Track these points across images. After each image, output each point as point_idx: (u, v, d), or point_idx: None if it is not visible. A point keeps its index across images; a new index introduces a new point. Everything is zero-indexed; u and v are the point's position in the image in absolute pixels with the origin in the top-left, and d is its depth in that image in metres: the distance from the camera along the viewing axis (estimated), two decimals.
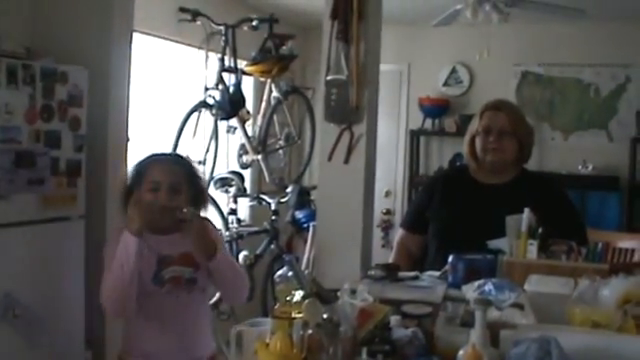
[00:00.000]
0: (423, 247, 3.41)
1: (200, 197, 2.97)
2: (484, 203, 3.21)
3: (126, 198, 2.85)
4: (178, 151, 4.42)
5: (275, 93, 5.40)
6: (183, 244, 2.86)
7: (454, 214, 3.25)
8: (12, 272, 3.26)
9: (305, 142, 6.23)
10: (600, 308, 2.12)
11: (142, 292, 2.79)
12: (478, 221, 3.12)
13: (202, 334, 2.97)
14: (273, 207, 5.51)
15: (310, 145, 5.94)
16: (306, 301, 2.02)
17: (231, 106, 4.83)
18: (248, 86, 6.00)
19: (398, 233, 3.61)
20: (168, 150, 4.33)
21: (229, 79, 4.90)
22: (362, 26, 3.25)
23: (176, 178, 2.85)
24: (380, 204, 7.15)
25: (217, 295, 4.85)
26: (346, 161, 3.32)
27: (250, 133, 5.26)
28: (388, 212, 7.62)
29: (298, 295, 2.15)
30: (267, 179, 5.51)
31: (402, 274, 2.89)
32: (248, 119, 5.22)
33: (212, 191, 5.00)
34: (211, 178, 4.91)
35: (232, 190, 5.24)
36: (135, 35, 3.99)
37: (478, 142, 3.28)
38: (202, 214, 2.94)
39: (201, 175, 3.06)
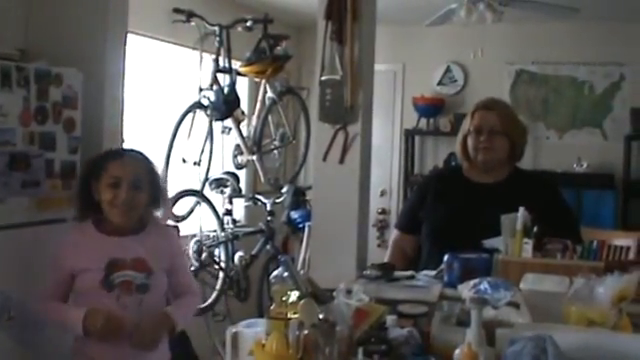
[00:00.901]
0: (418, 247, 3.42)
1: (159, 196, 2.93)
2: (477, 202, 3.22)
3: (82, 190, 2.83)
4: (173, 152, 4.42)
5: (270, 93, 5.40)
6: (136, 248, 2.80)
7: (447, 213, 3.26)
8: (7, 274, 3.25)
9: (300, 142, 6.23)
10: (595, 306, 2.12)
11: (86, 294, 2.75)
12: (471, 220, 3.12)
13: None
14: (268, 207, 5.51)
15: (305, 145, 5.94)
16: (302, 301, 2.02)
17: (226, 107, 4.83)
18: (243, 87, 6.00)
19: (393, 233, 3.62)
20: (163, 150, 4.34)
21: (224, 80, 4.89)
22: (356, 26, 3.25)
23: (137, 174, 2.80)
24: (375, 204, 7.15)
25: (213, 296, 4.89)
26: (341, 161, 3.32)
27: (245, 134, 5.25)
28: (383, 211, 7.62)
29: (294, 295, 2.14)
30: (262, 179, 5.51)
31: (398, 274, 2.90)
32: (243, 120, 5.21)
33: (207, 192, 5.00)
34: (206, 179, 4.91)
35: (227, 191, 5.24)
36: (129, 36, 3.98)
37: (470, 141, 3.29)
38: (161, 212, 2.95)
39: (160, 173, 3.02)
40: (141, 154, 2.95)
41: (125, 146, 3.86)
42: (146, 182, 2.83)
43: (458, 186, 3.35)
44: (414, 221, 3.41)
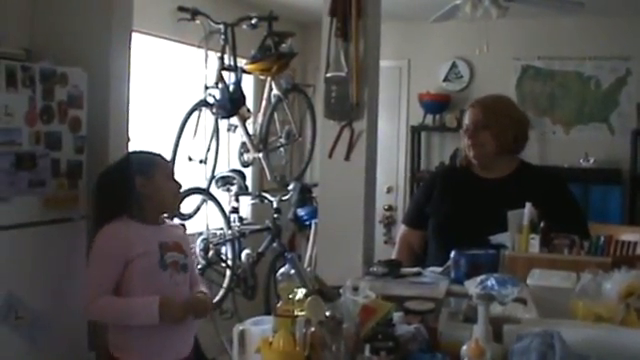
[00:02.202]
0: (425, 243, 3.42)
1: None
2: (483, 197, 3.21)
3: (127, 185, 3.03)
4: (179, 150, 4.43)
5: (275, 91, 5.39)
6: (172, 233, 3.15)
7: (453, 208, 3.26)
8: (14, 274, 3.26)
9: (306, 139, 6.23)
10: (603, 301, 2.11)
11: (146, 276, 2.97)
12: (477, 215, 3.12)
13: (191, 329, 3.18)
14: (275, 205, 5.51)
15: (311, 142, 5.93)
16: (309, 299, 2.02)
17: (231, 104, 4.83)
18: (248, 84, 6.00)
19: (400, 229, 3.62)
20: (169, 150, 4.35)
21: (229, 77, 4.89)
22: (361, 23, 3.25)
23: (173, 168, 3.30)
24: (382, 200, 7.14)
25: (220, 294, 4.89)
26: (347, 158, 3.32)
27: (251, 131, 5.25)
28: (390, 208, 7.61)
29: (300, 293, 2.14)
30: (268, 177, 5.50)
31: (404, 270, 2.89)
32: (249, 117, 5.21)
33: (214, 190, 5.01)
34: (212, 177, 4.92)
35: (234, 189, 5.25)
36: (134, 35, 3.99)
37: (464, 143, 3.33)
38: None
39: None
40: None
41: (131, 145, 3.90)
42: None
43: (465, 181, 3.35)
44: (420, 217, 3.41)
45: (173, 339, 3.03)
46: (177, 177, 3.21)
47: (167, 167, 3.19)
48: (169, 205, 3.20)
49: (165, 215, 3.22)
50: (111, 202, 3.08)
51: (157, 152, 3.26)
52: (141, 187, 3.04)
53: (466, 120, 3.35)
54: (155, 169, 3.09)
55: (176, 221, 3.71)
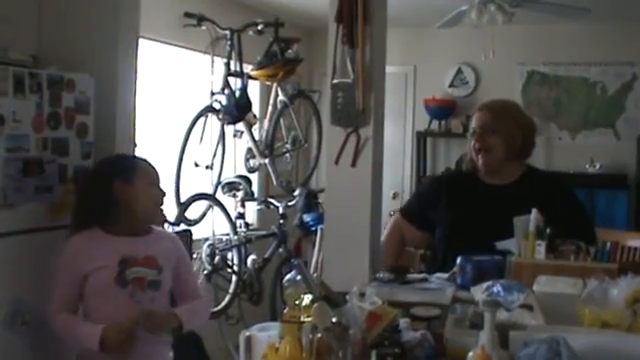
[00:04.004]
0: (414, 240, 3.46)
1: None
2: (490, 203, 3.21)
3: (103, 190, 2.94)
4: (185, 156, 4.44)
5: (281, 97, 5.40)
6: (146, 247, 2.95)
7: (460, 215, 3.25)
8: (21, 279, 3.26)
9: (312, 145, 6.22)
10: (609, 308, 2.12)
11: (101, 293, 2.84)
12: (484, 221, 3.12)
13: (161, 343, 2.99)
14: (281, 211, 5.51)
15: (317, 148, 5.93)
16: (315, 305, 2.02)
17: (237, 110, 4.83)
18: (254, 90, 6.00)
19: (395, 216, 3.61)
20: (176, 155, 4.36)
21: (235, 83, 4.90)
22: (367, 29, 3.25)
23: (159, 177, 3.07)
24: (388, 206, 7.11)
25: (226, 300, 4.90)
26: (353, 164, 3.32)
27: (257, 137, 5.26)
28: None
29: (307, 299, 2.15)
30: (274, 183, 5.51)
31: (411, 276, 2.89)
32: (255, 123, 5.22)
33: (220, 196, 5.01)
34: (219, 182, 4.92)
35: (240, 194, 5.25)
36: (141, 41, 4.00)
37: (471, 146, 3.32)
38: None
39: None
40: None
41: (136, 151, 3.90)
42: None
43: (472, 187, 3.34)
44: (419, 214, 3.43)
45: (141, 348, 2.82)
46: (163, 185, 3.09)
47: (150, 173, 3.05)
48: (149, 213, 3.02)
49: (153, 224, 3.09)
50: (84, 210, 3.01)
51: (143, 158, 3.18)
52: (119, 192, 2.94)
53: (473, 123, 3.34)
54: (136, 174, 2.98)
55: (171, 229, 3.68)
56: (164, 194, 3.06)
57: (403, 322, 2.15)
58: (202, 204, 4.75)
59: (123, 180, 2.95)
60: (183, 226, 4.44)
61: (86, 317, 2.93)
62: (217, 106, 4.74)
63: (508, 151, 3.25)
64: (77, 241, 2.96)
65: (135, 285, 2.86)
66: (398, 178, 7.59)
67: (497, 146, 3.24)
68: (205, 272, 4.71)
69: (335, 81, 3.31)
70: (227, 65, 4.81)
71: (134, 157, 3.17)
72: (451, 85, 7.52)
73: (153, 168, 3.09)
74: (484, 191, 3.30)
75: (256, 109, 5.53)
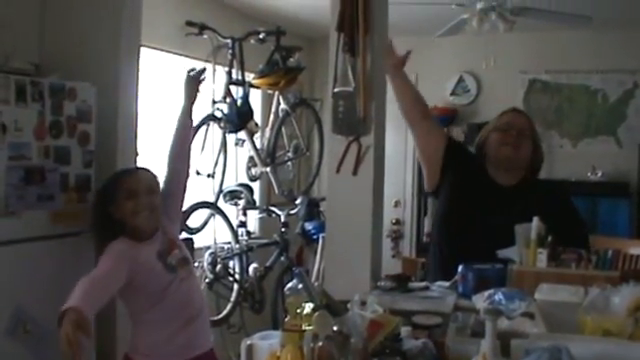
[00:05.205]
0: (430, 139, 3.54)
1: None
2: (497, 204, 3.22)
3: (102, 217, 3.07)
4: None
5: (283, 105, 5.41)
6: (162, 239, 3.10)
7: (461, 199, 3.32)
8: (23, 288, 3.26)
9: (313, 154, 6.23)
10: (611, 316, 2.11)
11: (158, 290, 2.98)
12: (485, 227, 3.13)
13: (207, 321, 3.22)
14: (282, 219, 5.51)
15: (319, 157, 5.94)
16: (316, 313, 2.02)
17: (239, 119, 4.84)
18: (256, 98, 6.02)
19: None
20: None
21: (237, 92, 4.91)
22: (368, 38, 3.25)
23: (148, 181, 3.10)
24: (389, 214, 7.15)
25: (227, 308, 4.89)
26: (354, 172, 3.31)
27: (259, 145, 5.27)
28: (397, 222, 7.62)
29: (308, 307, 2.15)
30: (276, 191, 5.51)
31: (412, 285, 2.89)
32: (256, 131, 5.23)
33: (222, 204, 5.02)
34: (220, 191, 4.93)
35: (241, 203, 5.25)
36: (142, 50, 4.01)
37: (495, 137, 3.33)
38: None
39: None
40: (140, 167, 3.32)
41: (137, 161, 3.92)
42: (156, 184, 3.12)
43: (477, 182, 3.36)
44: (451, 147, 3.49)
45: (198, 326, 3.09)
46: (139, 192, 3.03)
47: (125, 184, 3.05)
48: (135, 224, 3.03)
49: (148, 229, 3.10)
50: (103, 235, 3.08)
51: (120, 169, 3.28)
52: (115, 213, 3.03)
53: (507, 119, 3.37)
54: (117, 192, 3.03)
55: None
56: (138, 202, 3.01)
57: (404, 330, 2.14)
58: (204, 212, 4.76)
59: (112, 203, 3.03)
60: (185, 234, 4.44)
61: (158, 317, 3.02)
62: (219, 114, 4.75)
63: (530, 160, 3.33)
64: (119, 242, 3.01)
65: (181, 266, 3.05)
66: (400, 186, 7.58)
67: (527, 149, 3.31)
68: (207, 280, 4.71)
69: (336, 90, 3.31)
70: (229, 73, 4.82)
71: (114, 174, 3.21)
72: (453, 93, 7.52)
73: (128, 176, 3.11)
74: (488, 188, 3.32)
75: (258, 117, 5.54)
